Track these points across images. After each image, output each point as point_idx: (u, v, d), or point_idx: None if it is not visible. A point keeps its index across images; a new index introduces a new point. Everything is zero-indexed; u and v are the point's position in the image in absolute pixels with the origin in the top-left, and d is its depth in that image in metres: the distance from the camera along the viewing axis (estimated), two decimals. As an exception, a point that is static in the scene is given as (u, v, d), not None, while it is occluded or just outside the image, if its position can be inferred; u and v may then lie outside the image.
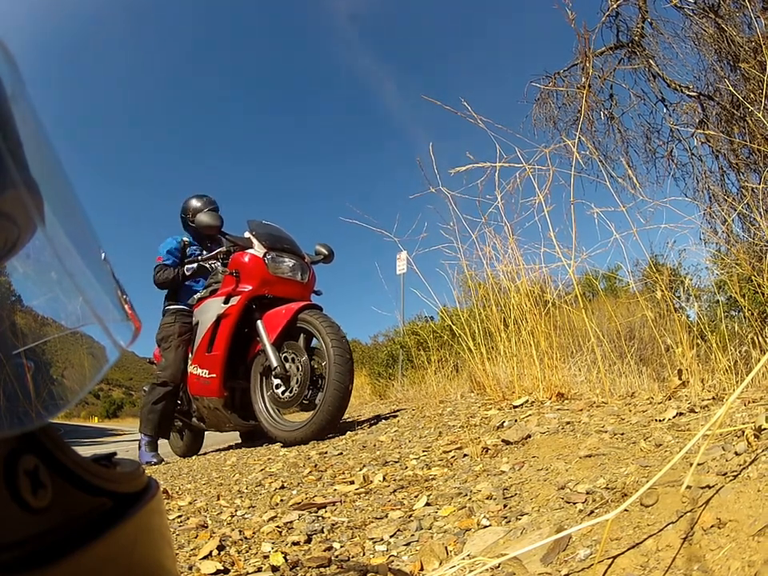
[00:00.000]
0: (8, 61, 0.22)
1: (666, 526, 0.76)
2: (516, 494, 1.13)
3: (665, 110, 4.63)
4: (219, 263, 3.04)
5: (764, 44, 3.23)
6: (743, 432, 0.89)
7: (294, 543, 1.09)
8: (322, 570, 0.94)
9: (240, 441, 3.78)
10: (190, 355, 3.11)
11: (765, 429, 0.87)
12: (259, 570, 0.97)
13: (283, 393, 2.57)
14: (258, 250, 2.79)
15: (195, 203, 3.38)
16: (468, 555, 0.88)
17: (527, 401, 2.06)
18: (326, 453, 2.04)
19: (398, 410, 3.31)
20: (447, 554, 0.92)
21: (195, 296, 3.21)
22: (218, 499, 1.58)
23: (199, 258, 3.25)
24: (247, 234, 2.87)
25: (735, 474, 0.79)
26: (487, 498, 1.14)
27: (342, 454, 1.96)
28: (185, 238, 3.38)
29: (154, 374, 3.41)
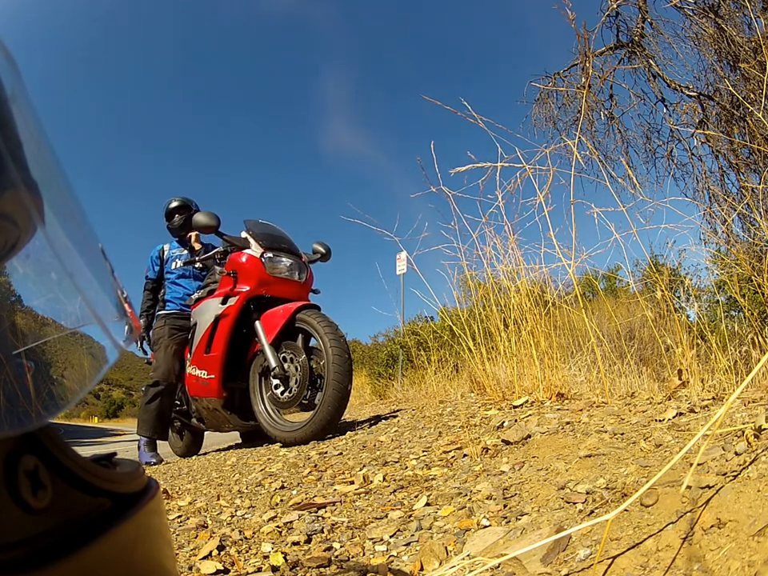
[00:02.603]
0: (8, 61, 0.21)
1: (665, 526, 0.76)
2: (516, 494, 1.13)
3: (665, 110, 4.64)
4: (217, 263, 3.04)
5: (764, 44, 3.24)
6: (743, 432, 0.89)
7: (294, 543, 1.09)
8: (321, 570, 0.94)
9: (240, 441, 3.78)
10: (188, 356, 3.12)
11: (765, 429, 0.87)
12: (259, 570, 0.97)
13: (282, 393, 2.57)
14: (255, 250, 2.79)
15: (171, 205, 3.51)
16: (468, 555, 0.88)
17: (527, 401, 2.06)
18: (325, 453, 2.04)
19: (397, 410, 3.31)
20: (447, 554, 0.92)
21: (193, 296, 3.21)
22: (218, 499, 1.58)
23: (184, 258, 3.40)
24: (244, 234, 2.86)
25: (735, 474, 0.79)
26: (487, 498, 1.14)
27: (341, 454, 1.96)
28: (165, 245, 3.53)
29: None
